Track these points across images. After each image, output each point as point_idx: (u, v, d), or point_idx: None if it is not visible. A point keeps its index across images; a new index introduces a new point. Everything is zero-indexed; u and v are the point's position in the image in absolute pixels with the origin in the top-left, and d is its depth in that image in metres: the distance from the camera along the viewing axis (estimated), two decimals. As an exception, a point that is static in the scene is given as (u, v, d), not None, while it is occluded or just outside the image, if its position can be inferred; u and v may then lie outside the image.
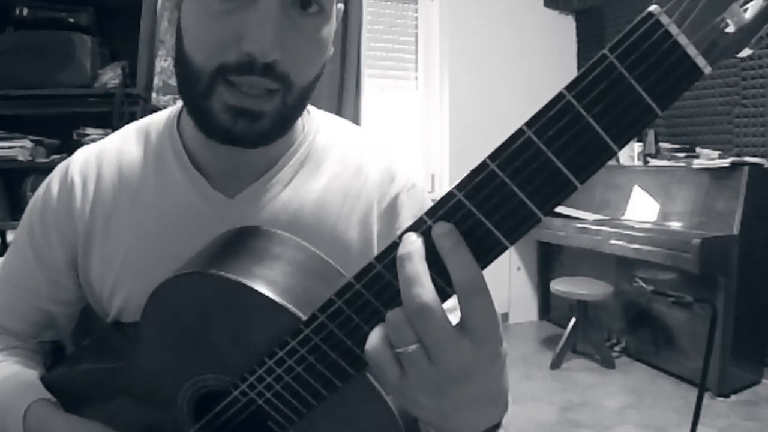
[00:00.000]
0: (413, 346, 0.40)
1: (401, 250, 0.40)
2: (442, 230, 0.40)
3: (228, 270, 0.51)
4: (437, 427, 0.45)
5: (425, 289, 0.39)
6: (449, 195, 0.40)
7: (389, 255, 0.42)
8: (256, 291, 0.49)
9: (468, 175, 0.39)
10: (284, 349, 0.48)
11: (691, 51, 0.34)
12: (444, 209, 0.40)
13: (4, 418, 0.62)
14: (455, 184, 0.40)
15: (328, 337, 0.45)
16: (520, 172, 0.38)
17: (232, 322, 0.52)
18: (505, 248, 0.40)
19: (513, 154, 0.38)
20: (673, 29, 0.34)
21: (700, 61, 0.34)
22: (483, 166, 0.38)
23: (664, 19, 0.34)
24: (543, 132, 0.37)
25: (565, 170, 0.37)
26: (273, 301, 0.49)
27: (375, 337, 0.42)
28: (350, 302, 0.44)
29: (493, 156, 0.38)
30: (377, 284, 0.42)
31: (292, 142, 0.68)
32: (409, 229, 0.41)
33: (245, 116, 0.54)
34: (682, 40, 0.34)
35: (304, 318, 0.47)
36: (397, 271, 0.40)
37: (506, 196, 0.38)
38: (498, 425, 0.46)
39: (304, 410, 0.50)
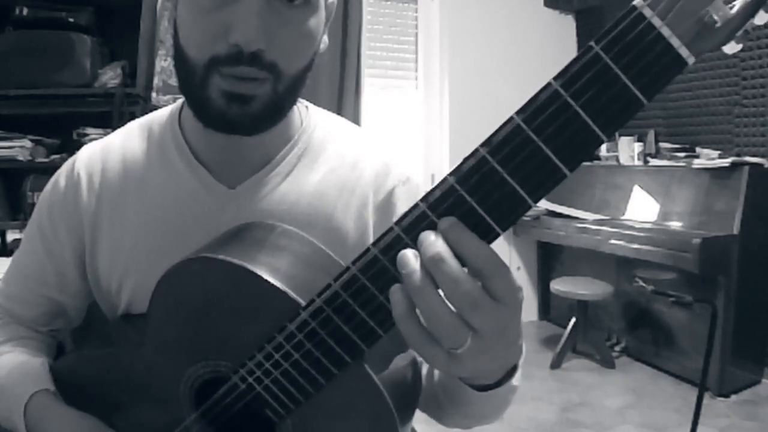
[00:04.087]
0: (468, 341, 0.41)
1: (429, 252, 0.40)
2: (445, 225, 0.40)
3: (233, 256, 0.52)
4: (473, 377, 0.50)
5: (470, 284, 0.40)
6: (443, 181, 0.41)
7: (385, 240, 0.43)
8: (259, 276, 0.51)
9: (461, 162, 0.40)
10: (283, 334, 0.49)
11: (675, 42, 0.34)
12: (437, 195, 0.41)
13: (8, 404, 0.65)
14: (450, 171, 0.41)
15: (326, 323, 0.46)
16: (510, 159, 0.38)
17: (235, 307, 0.53)
18: (498, 234, 0.40)
19: (503, 141, 0.39)
20: (656, 21, 0.34)
21: (684, 52, 0.35)
22: (475, 152, 0.40)
23: (647, 12, 0.35)
24: (532, 120, 0.38)
25: (554, 158, 0.38)
26: (274, 287, 0.50)
27: (434, 353, 0.43)
28: (347, 287, 0.45)
29: (484, 143, 0.39)
30: (373, 268, 0.43)
31: (290, 137, 0.70)
32: (405, 216, 0.42)
33: (238, 100, 0.58)
34: (665, 31, 0.34)
35: (303, 303, 0.48)
36: (398, 262, 0.41)
37: (497, 183, 0.39)
38: (515, 366, 0.53)
39: (302, 398, 0.51)
